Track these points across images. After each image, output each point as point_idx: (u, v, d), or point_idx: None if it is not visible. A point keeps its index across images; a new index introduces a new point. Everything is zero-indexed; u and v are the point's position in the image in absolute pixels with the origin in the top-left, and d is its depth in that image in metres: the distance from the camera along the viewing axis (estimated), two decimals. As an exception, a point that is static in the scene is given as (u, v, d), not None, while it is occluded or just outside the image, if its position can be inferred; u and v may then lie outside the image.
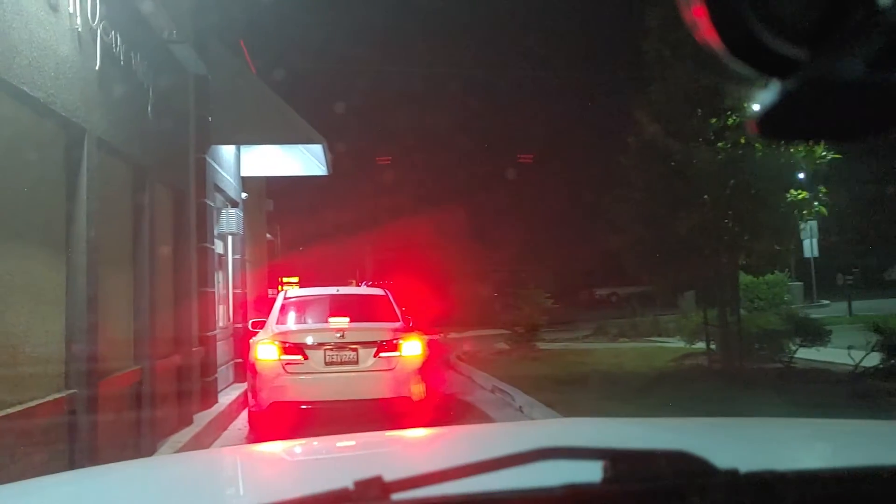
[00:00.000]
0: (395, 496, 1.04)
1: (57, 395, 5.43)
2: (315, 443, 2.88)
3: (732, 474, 1.06)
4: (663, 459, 1.08)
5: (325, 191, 36.78)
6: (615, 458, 1.07)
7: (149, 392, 7.50)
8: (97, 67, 6.18)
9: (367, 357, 9.36)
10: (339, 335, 9.37)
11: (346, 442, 2.66)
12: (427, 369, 9.92)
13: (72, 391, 5.61)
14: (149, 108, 7.63)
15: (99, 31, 6.20)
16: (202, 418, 9.35)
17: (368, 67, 42.72)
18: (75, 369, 5.67)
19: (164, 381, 8.12)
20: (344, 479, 1.06)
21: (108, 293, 6.67)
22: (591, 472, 1.06)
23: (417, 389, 9.45)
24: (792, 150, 11.78)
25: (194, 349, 9.67)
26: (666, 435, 2.22)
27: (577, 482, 1.05)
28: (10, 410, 4.76)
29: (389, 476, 1.05)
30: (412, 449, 2.42)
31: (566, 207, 41.39)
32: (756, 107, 0.82)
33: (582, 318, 25.82)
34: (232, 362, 13.00)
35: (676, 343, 18.80)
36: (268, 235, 19.32)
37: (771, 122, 0.81)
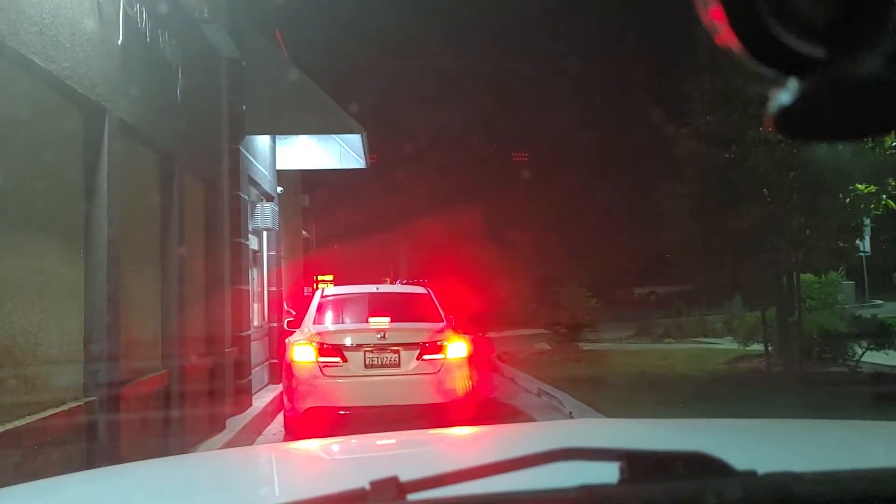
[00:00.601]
0: (411, 496, 1.04)
1: (73, 404, 4.88)
2: (333, 443, 2.91)
3: (750, 475, 1.05)
4: (680, 460, 1.06)
5: (359, 187, 36.46)
6: (631, 459, 1.06)
7: (177, 397, 6.96)
8: (120, 42, 5.62)
9: (409, 359, 8.79)
10: (379, 336, 8.82)
11: (364, 442, 2.70)
12: (473, 372, 9.33)
13: (90, 398, 5.06)
14: (177, 92, 7.08)
15: (122, 3, 5.64)
16: (235, 423, 8.83)
17: (400, 62, 42.15)
18: (94, 374, 5.11)
19: (194, 384, 7.57)
20: (361, 479, 1.06)
21: (132, 291, 6.14)
22: (607, 473, 1.05)
23: (463, 394, 8.85)
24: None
25: (227, 350, 9.14)
26: (683, 435, 2.23)
27: (594, 483, 1.03)
28: (18, 423, 4.22)
29: (406, 476, 1.05)
30: (430, 449, 2.39)
31: (604, 205, 40.66)
32: (773, 106, 0.79)
33: (621, 318, 25.19)
34: (267, 363, 12.51)
35: (726, 344, 18.29)
36: (303, 232, 18.85)
37: (789, 121, 0.80)
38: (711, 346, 19.34)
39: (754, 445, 2.00)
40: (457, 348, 8.95)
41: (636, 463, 1.05)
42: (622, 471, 1.05)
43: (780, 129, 0.81)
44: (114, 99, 5.45)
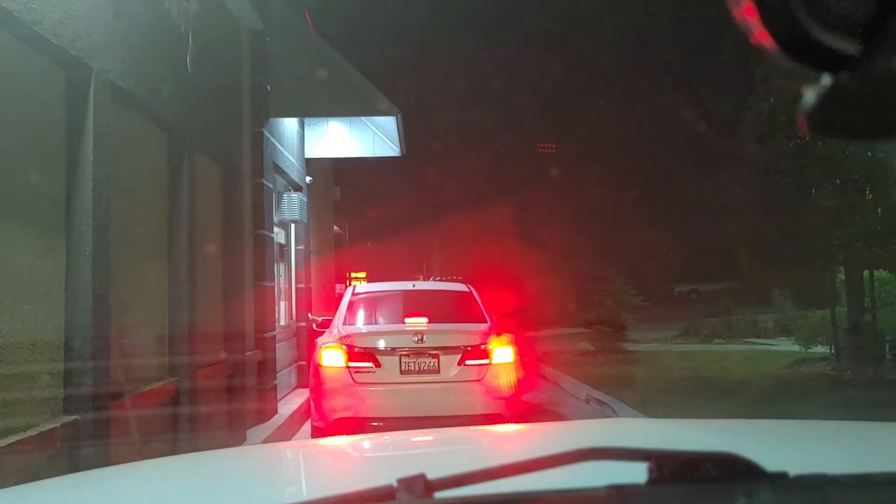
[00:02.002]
0: (439, 494, 1.03)
1: (48, 426, 3.98)
2: (361, 440, 2.89)
3: (782, 477, 1.03)
4: (710, 461, 1.04)
5: (391, 183, 35.79)
6: (661, 459, 1.03)
7: (187, 409, 6.06)
8: (110, -10, 4.72)
9: (450, 365, 7.85)
10: (416, 338, 7.88)
11: (391, 439, 2.67)
12: (520, 379, 8.36)
13: (72, 417, 4.17)
14: (188, 61, 6.16)
15: (113, -57, 4.72)
16: (258, 434, 7.98)
17: (432, 54, 41.12)
18: (77, 387, 4.21)
19: (208, 394, 6.69)
20: (388, 476, 1.05)
21: (131, 287, 5.26)
22: (635, 473, 1.03)
23: (509, 404, 7.88)
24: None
25: (248, 353, 8.25)
26: (713, 436, 2.18)
27: (622, 483, 1.01)
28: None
29: (433, 474, 1.04)
30: (457, 447, 2.31)
31: (642, 200, 39.48)
32: (806, 103, 0.78)
33: (663, 317, 24.30)
34: (295, 365, 11.68)
35: (782, 346, 17.43)
36: (334, 227, 18.00)
37: (822, 119, 0.79)
38: (766, 347, 18.39)
39: (786, 447, 1.94)
40: (503, 353, 8.01)
41: (665, 463, 1.02)
42: (651, 471, 1.02)
43: (813, 127, 0.79)
44: (102, 57, 4.52)
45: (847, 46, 0.73)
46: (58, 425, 4.02)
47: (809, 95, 0.76)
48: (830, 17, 0.73)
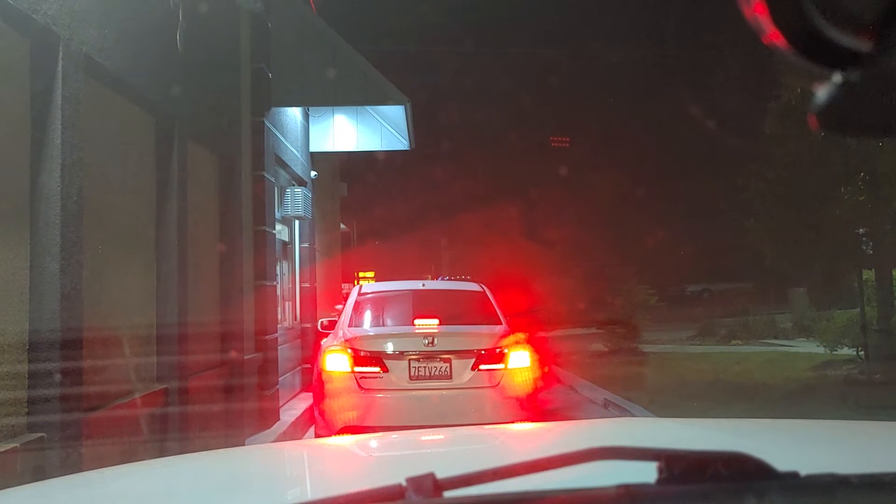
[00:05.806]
0: (448, 494, 1.02)
1: (7, 446, 3.46)
2: (368, 439, 2.89)
3: (793, 477, 1.02)
4: (720, 461, 1.02)
5: (400, 180, 35.42)
6: (670, 459, 1.02)
7: (176, 420, 5.54)
8: (83, -49, 4.19)
9: (462, 370, 7.32)
10: (427, 342, 7.34)
11: (399, 438, 2.67)
12: (538, 385, 7.83)
13: (37, 435, 3.65)
14: (177, 39, 5.63)
15: None
16: (257, 443, 7.44)
17: (441, 49, 40.59)
18: (43, 401, 3.69)
19: (202, 402, 6.17)
20: (397, 476, 1.04)
21: (109, 286, 4.74)
22: (645, 473, 1.02)
23: (527, 412, 7.35)
24: None
25: (247, 357, 7.73)
26: (723, 436, 2.15)
27: (631, 482, 0.99)
28: None
29: (442, 473, 1.03)
30: (467, 446, 2.29)
31: (653, 198, 39.08)
32: (817, 101, 0.77)
33: (677, 318, 23.80)
34: (299, 367, 11.18)
35: (801, 347, 16.88)
36: (341, 225, 17.49)
37: (833, 116, 0.79)
38: (786, 348, 17.86)
39: (797, 446, 1.91)
40: (520, 356, 7.48)
41: (675, 463, 1.01)
42: (660, 471, 1.01)
43: (824, 125, 0.78)
44: (73, 26, 3.98)
45: (858, 44, 0.73)
46: (16, 445, 3.49)
47: (821, 93, 0.75)
48: (841, 15, 0.72)
